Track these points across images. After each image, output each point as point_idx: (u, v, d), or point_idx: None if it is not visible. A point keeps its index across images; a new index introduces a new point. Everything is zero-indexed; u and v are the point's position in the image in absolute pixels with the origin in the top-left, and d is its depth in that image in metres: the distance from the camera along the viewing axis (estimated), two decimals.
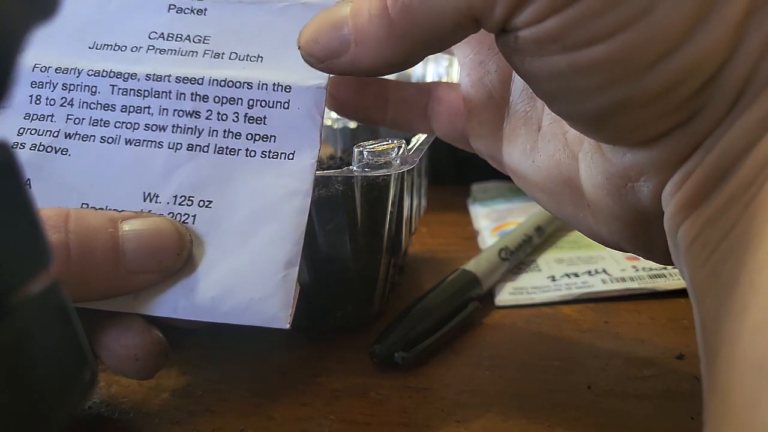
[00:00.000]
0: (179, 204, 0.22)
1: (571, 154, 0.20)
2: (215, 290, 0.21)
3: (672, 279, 0.30)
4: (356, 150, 0.24)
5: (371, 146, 0.24)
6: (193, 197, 0.22)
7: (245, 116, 0.22)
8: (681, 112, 0.16)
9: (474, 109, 0.24)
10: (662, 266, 0.31)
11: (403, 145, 0.25)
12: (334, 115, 0.40)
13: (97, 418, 0.24)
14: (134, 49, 0.23)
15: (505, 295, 0.31)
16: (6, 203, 0.12)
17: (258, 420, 0.24)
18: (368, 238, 0.26)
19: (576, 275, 0.32)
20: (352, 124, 0.41)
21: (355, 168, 0.24)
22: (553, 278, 0.32)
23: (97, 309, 0.22)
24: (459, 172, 0.50)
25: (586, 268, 0.32)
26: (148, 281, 0.21)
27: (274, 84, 0.22)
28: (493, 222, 0.40)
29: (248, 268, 0.21)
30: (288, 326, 0.21)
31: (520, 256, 0.33)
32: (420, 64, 0.46)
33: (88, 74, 0.23)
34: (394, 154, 0.24)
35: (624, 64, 0.15)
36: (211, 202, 0.22)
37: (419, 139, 0.28)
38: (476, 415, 0.23)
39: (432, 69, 0.44)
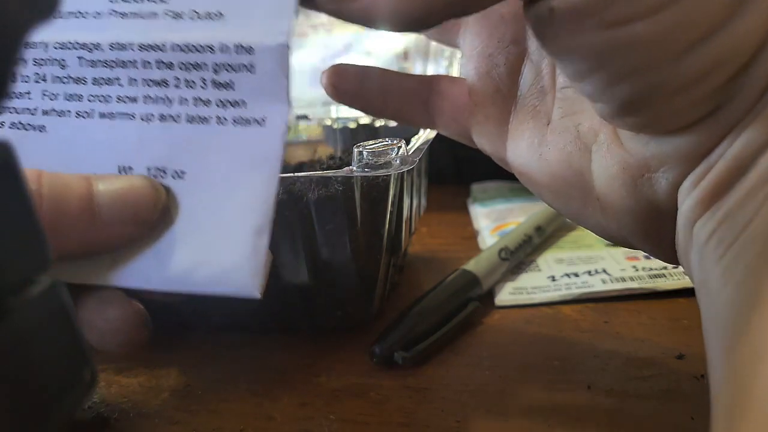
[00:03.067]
0: (153, 176, 0.22)
1: (583, 146, 0.20)
2: (188, 261, 0.21)
3: (672, 279, 0.30)
4: (356, 150, 0.24)
5: (371, 146, 0.24)
6: (166, 169, 0.22)
7: (212, 82, 0.22)
8: (710, 101, 0.16)
9: (480, 102, 0.23)
10: (662, 266, 0.31)
11: (403, 146, 0.25)
12: (334, 114, 0.41)
13: (96, 418, 0.24)
14: (96, 15, 0.23)
15: (505, 295, 0.31)
16: (6, 203, 0.12)
17: (258, 420, 0.24)
18: (368, 238, 0.26)
19: (576, 275, 0.32)
20: (352, 124, 0.41)
21: (354, 168, 0.24)
22: (553, 278, 0.32)
23: (75, 285, 0.21)
24: (459, 171, 0.50)
25: (586, 268, 0.32)
26: (125, 234, 0.21)
27: (235, 46, 0.22)
28: (493, 222, 0.40)
29: (220, 238, 0.21)
30: (259, 295, 0.21)
31: (520, 256, 0.33)
32: (419, 64, 0.46)
33: (54, 47, 0.23)
34: (393, 154, 0.24)
35: (663, 45, 0.15)
36: (184, 173, 0.22)
37: (419, 139, 0.28)
38: (476, 415, 0.23)
39: (432, 69, 0.44)
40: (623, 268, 0.32)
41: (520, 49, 0.22)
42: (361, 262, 0.27)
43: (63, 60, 0.23)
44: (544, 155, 0.21)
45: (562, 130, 0.21)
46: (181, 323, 0.31)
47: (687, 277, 0.29)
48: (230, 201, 0.21)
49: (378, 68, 0.25)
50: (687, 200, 0.17)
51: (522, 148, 0.22)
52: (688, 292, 0.29)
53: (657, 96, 0.16)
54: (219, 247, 0.21)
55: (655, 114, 0.16)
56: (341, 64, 0.24)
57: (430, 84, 0.25)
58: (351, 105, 0.26)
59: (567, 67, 0.17)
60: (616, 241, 0.21)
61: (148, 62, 0.22)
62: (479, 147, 0.24)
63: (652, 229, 0.19)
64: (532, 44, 0.22)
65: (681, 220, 0.18)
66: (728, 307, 0.15)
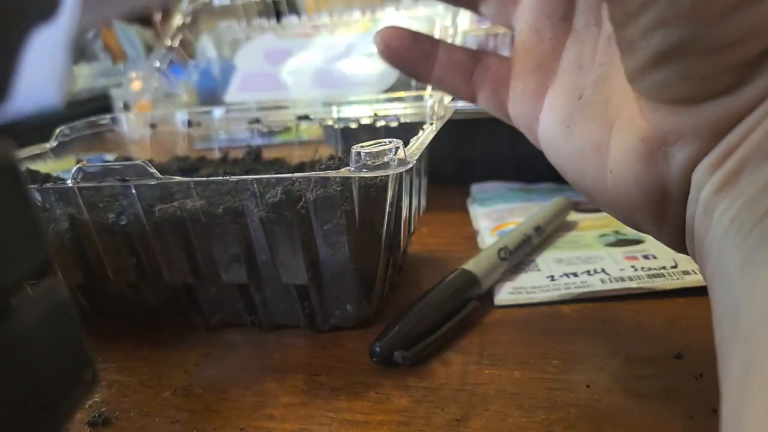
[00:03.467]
0: None
1: (606, 120, 0.21)
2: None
3: (670, 279, 0.30)
4: (353, 151, 0.24)
5: (369, 147, 0.24)
6: None
7: None
8: (736, 72, 0.16)
9: (521, 76, 0.24)
10: (661, 266, 0.31)
11: (401, 147, 0.25)
12: (335, 115, 0.41)
13: (97, 417, 0.24)
14: None
15: (505, 295, 0.31)
16: (7, 204, 0.12)
17: (258, 419, 0.24)
18: (366, 238, 0.27)
19: (575, 275, 0.32)
20: (353, 125, 0.41)
21: (352, 168, 0.24)
22: (552, 278, 0.32)
23: None
24: (459, 172, 0.50)
25: (585, 267, 0.32)
26: None
27: None
28: (493, 222, 0.40)
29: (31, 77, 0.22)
30: (59, 103, 0.21)
31: (519, 255, 0.33)
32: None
33: None
34: (391, 155, 0.24)
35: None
36: None
37: (417, 140, 0.28)
38: (475, 414, 0.23)
39: None
40: (622, 267, 0.32)
41: (568, 26, 0.23)
42: (360, 262, 0.27)
43: None
44: (571, 128, 0.22)
45: (591, 103, 0.22)
46: (182, 323, 0.31)
47: (686, 277, 0.30)
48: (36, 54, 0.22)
49: (431, 36, 0.27)
50: (707, 186, 0.18)
51: (552, 122, 0.23)
52: (687, 292, 0.29)
53: (691, 50, 0.16)
54: (31, 84, 0.22)
55: (684, 71, 0.17)
56: (397, 26, 0.26)
57: (478, 58, 0.27)
58: (398, 66, 0.28)
59: (618, 7, 0.18)
60: (623, 217, 0.22)
61: None
62: (514, 121, 0.26)
63: (659, 208, 0.20)
64: (580, 21, 0.23)
65: (700, 208, 0.18)
66: (746, 296, 0.15)
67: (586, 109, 0.22)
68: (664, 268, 0.31)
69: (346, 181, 0.25)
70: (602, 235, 0.36)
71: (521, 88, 0.24)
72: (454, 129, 0.47)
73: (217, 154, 0.42)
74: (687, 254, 0.21)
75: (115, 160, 0.41)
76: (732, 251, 0.16)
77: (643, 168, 0.19)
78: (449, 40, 0.42)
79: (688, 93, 0.17)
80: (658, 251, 0.33)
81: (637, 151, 0.19)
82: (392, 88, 0.46)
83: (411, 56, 0.27)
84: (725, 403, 0.15)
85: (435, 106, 0.35)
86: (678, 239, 0.20)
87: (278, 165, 0.39)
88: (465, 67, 0.26)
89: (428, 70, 0.27)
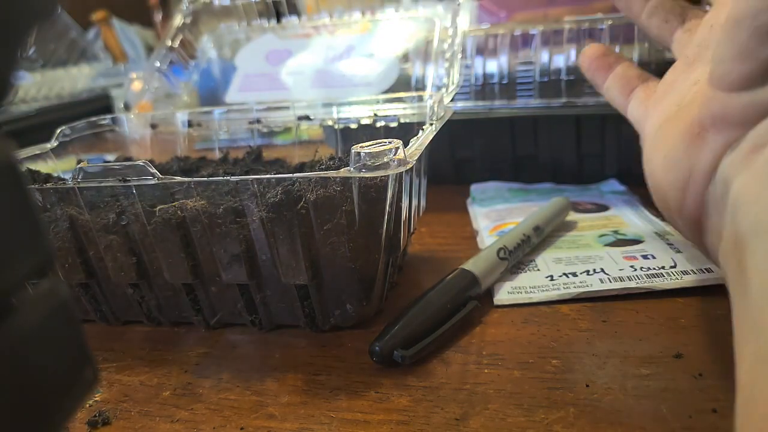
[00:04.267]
0: None
1: (681, 114, 0.25)
2: None
3: (669, 279, 0.30)
4: (353, 151, 0.24)
5: (369, 147, 0.25)
6: None
7: None
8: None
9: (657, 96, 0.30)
10: (660, 266, 0.31)
11: (401, 147, 0.25)
12: (335, 115, 0.41)
13: (98, 416, 0.24)
14: None
15: (504, 294, 0.31)
16: (7, 203, 0.12)
17: (258, 418, 0.24)
18: (366, 238, 0.27)
19: (574, 275, 0.32)
20: (353, 125, 0.41)
21: (352, 169, 0.24)
22: (552, 277, 0.32)
23: None
24: (458, 172, 0.50)
25: (584, 267, 0.32)
26: None
27: None
28: (492, 222, 0.40)
29: None
30: None
31: (518, 255, 0.34)
32: (419, 65, 0.46)
33: None
34: (390, 156, 0.24)
35: None
36: None
37: (417, 140, 0.28)
38: (475, 413, 0.23)
39: (431, 71, 0.44)
40: (621, 267, 0.32)
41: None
42: (360, 262, 0.27)
43: None
44: (663, 126, 0.26)
45: (683, 107, 0.26)
46: (182, 322, 0.31)
47: (685, 277, 0.30)
48: None
49: (620, 55, 0.34)
50: (729, 160, 0.21)
51: (655, 124, 0.28)
52: (686, 292, 0.29)
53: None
54: None
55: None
56: (599, 44, 0.35)
57: (645, 79, 0.32)
58: (586, 68, 0.35)
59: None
60: (661, 201, 0.26)
61: None
62: (635, 125, 0.31)
63: (683, 192, 0.24)
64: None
65: (719, 177, 0.21)
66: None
67: (680, 113, 0.25)
68: (663, 268, 0.31)
69: (346, 181, 0.25)
70: (601, 236, 0.36)
71: (653, 99, 0.29)
72: (453, 129, 0.47)
73: (217, 155, 0.43)
74: (704, 251, 0.25)
75: (116, 161, 0.41)
76: (744, 216, 0.18)
77: (682, 149, 0.23)
78: (449, 41, 0.42)
79: (742, 77, 0.20)
80: (657, 251, 0.33)
81: (684, 133, 0.23)
82: (392, 89, 0.46)
83: (596, 66, 0.34)
84: (740, 386, 0.16)
85: (435, 106, 0.36)
86: (695, 205, 0.23)
87: (278, 165, 0.39)
88: (630, 83, 0.32)
89: (603, 79, 0.33)
